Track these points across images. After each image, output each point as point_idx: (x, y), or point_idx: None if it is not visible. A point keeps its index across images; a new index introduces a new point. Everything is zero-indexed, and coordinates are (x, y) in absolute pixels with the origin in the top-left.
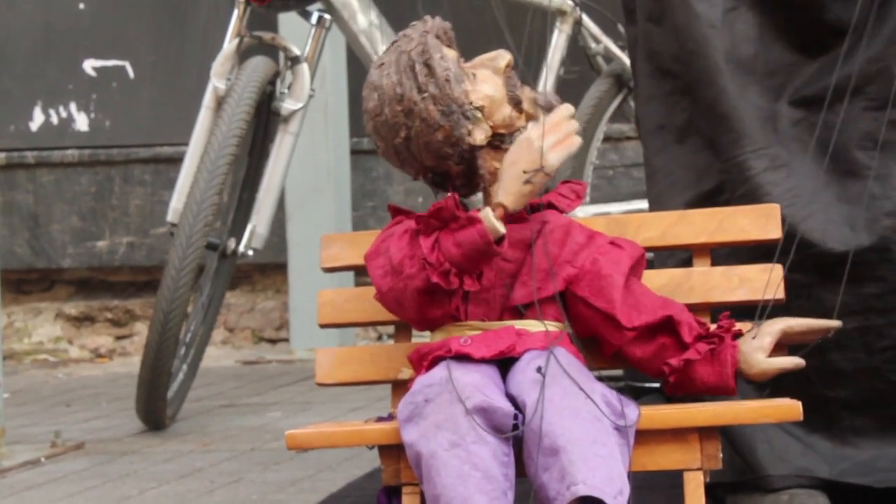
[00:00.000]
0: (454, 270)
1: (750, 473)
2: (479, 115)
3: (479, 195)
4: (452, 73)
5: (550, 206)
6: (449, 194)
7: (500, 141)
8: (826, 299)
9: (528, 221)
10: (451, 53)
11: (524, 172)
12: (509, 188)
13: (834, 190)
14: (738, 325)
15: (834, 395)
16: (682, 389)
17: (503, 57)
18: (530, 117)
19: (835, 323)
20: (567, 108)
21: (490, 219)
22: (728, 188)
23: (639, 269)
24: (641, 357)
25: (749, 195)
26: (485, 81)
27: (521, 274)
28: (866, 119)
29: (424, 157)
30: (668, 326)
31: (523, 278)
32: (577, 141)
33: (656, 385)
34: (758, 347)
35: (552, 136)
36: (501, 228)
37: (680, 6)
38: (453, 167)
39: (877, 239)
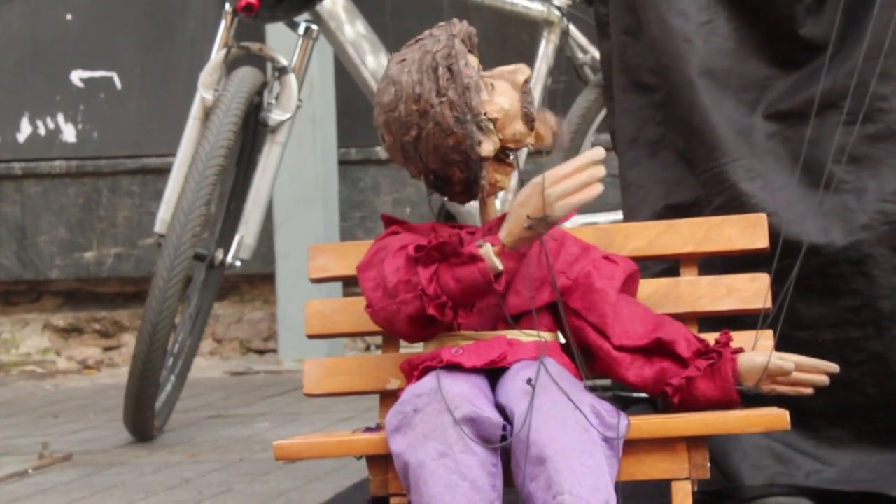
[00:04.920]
0: (450, 304)
1: (726, 483)
2: (491, 126)
3: (475, 203)
4: (473, 81)
5: None
6: (453, 230)
7: (505, 154)
8: (802, 311)
9: None
10: (473, 61)
11: (528, 218)
12: (512, 230)
13: (809, 203)
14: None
15: (811, 404)
16: (685, 407)
17: (523, 72)
18: (540, 137)
19: (832, 367)
20: (595, 153)
21: (491, 256)
22: (704, 200)
23: (632, 285)
24: (643, 382)
25: (726, 206)
26: (502, 94)
27: (514, 283)
28: (842, 133)
29: (431, 159)
30: (662, 349)
31: (516, 287)
32: (597, 189)
33: (645, 395)
34: (754, 355)
35: (568, 183)
36: (500, 266)
37: (655, 20)
38: (457, 173)
39: (852, 252)
